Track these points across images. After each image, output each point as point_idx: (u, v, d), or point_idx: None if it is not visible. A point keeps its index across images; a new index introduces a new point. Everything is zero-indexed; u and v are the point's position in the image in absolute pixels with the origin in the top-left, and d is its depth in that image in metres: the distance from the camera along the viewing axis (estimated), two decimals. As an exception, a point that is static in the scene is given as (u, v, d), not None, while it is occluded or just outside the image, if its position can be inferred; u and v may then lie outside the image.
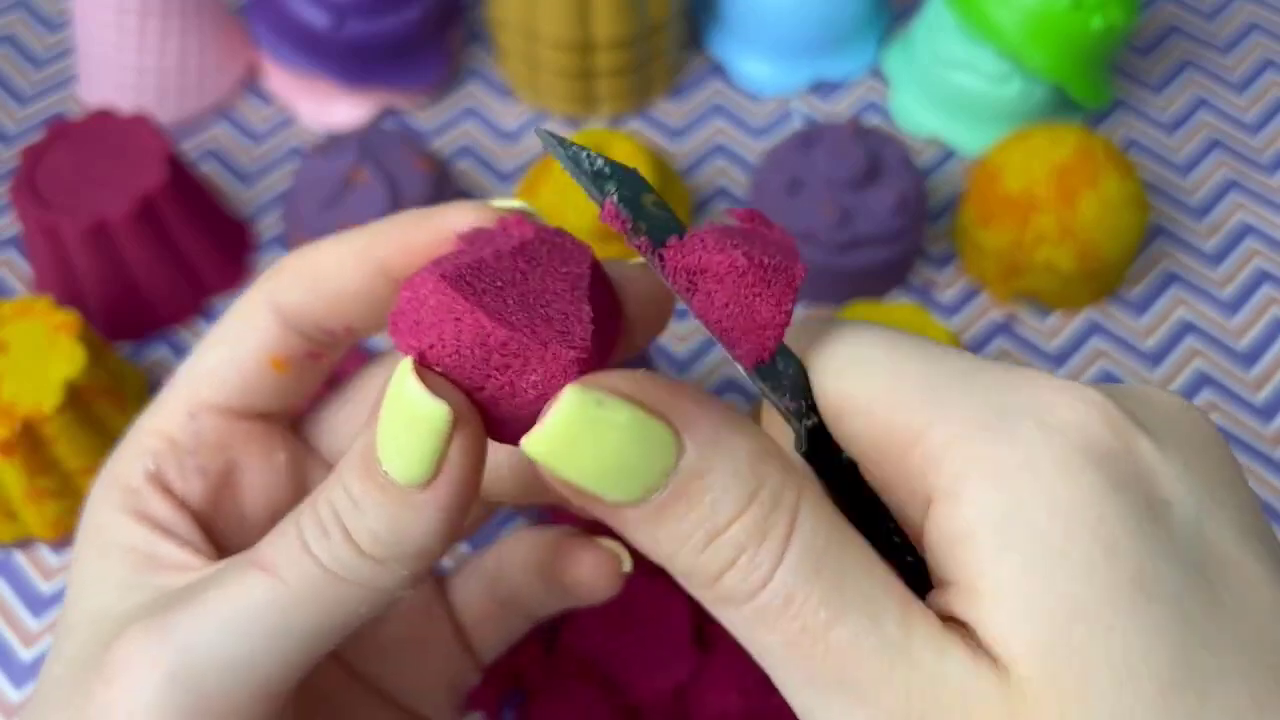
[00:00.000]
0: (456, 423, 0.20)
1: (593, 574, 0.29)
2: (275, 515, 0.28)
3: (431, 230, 0.24)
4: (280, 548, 0.22)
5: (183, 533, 0.26)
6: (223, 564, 0.24)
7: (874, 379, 0.22)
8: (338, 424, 0.29)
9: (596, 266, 0.24)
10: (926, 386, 0.21)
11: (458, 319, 0.21)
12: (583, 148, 0.22)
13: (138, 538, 0.25)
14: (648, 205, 0.22)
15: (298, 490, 0.28)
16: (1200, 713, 0.18)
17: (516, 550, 0.31)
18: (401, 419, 0.20)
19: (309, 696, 0.27)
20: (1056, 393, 0.20)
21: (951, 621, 0.20)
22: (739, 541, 0.20)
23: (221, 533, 0.27)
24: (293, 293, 0.26)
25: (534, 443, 0.20)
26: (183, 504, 0.26)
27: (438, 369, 0.21)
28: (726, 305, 0.22)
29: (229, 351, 0.26)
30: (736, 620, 0.20)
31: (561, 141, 0.22)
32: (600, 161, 0.22)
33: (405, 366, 0.21)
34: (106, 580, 0.25)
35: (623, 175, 0.22)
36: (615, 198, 0.22)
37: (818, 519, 0.20)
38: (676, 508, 0.20)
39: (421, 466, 0.20)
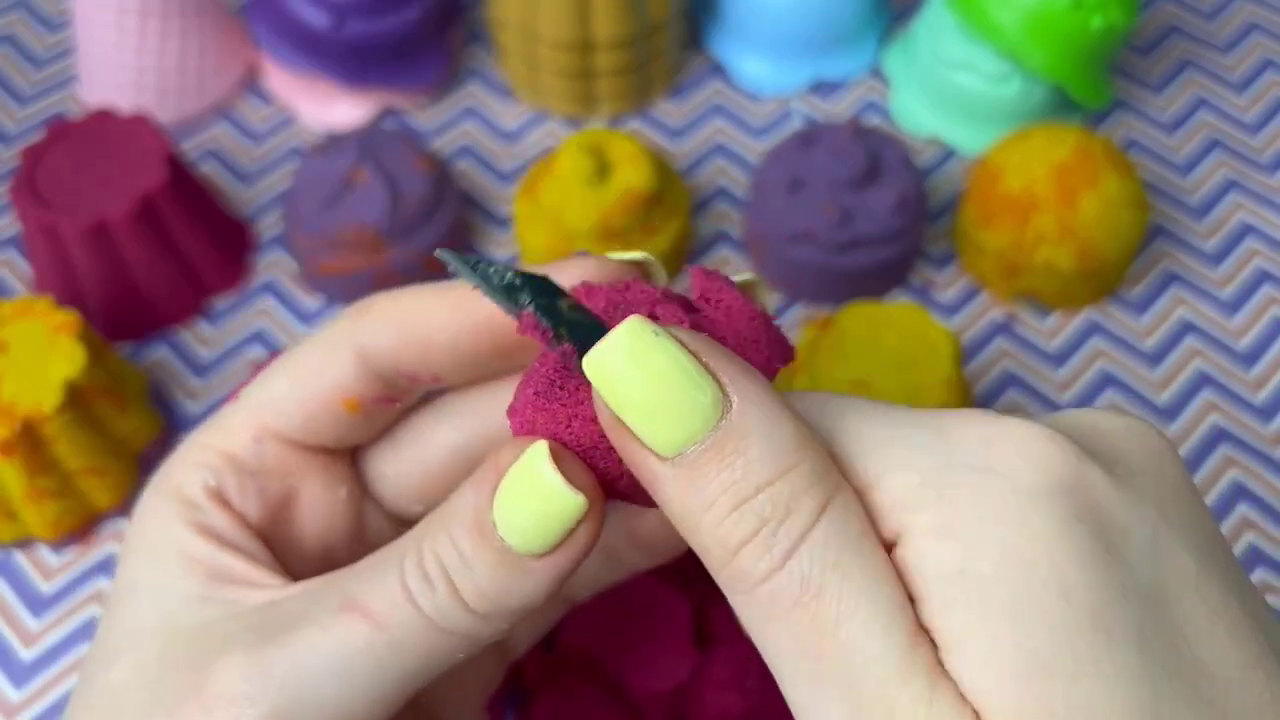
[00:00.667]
0: (590, 510, 0.21)
1: (653, 532, 0.29)
2: (328, 546, 0.28)
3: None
4: (382, 594, 0.23)
5: (247, 547, 0.25)
6: (308, 589, 0.24)
7: (818, 436, 0.21)
8: (386, 468, 0.29)
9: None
10: (867, 442, 0.21)
11: (570, 420, 0.21)
12: (490, 263, 0.22)
13: (201, 550, 0.25)
14: (565, 311, 0.23)
15: (353, 524, 0.28)
16: None
17: None
18: (531, 499, 0.21)
19: None
20: (997, 433, 0.20)
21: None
22: (763, 512, 0.19)
23: (280, 558, 0.26)
24: (380, 336, 0.25)
25: (592, 359, 0.20)
26: (244, 520, 0.26)
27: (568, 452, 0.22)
28: None
29: (302, 385, 0.26)
30: (748, 606, 0.20)
31: (466, 260, 0.22)
32: (510, 274, 0.23)
33: (541, 451, 0.21)
34: (171, 590, 0.25)
35: (536, 285, 0.23)
36: (531, 308, 0.22)
37: (849, 515, 0.20)
38: (708, 465, 0.20)
39: (547, 543, 0.21)
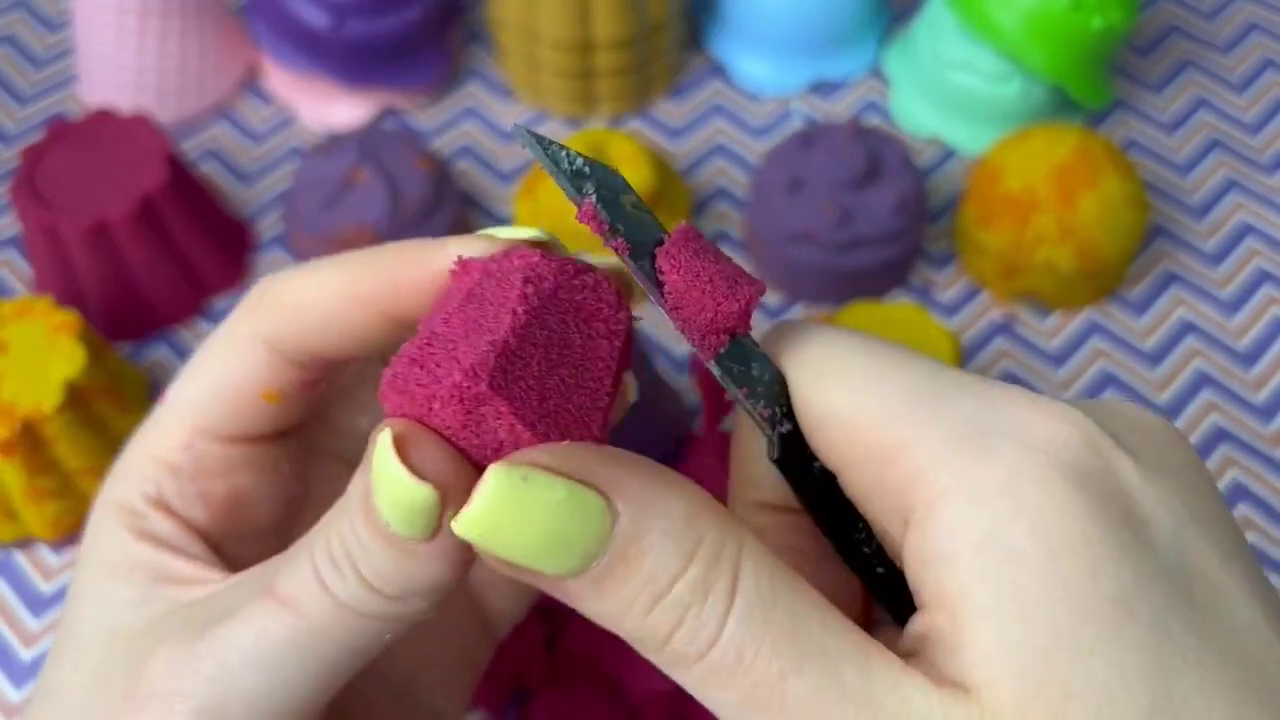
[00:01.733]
0: (446, 499, 0.20)
1: None
2: (286, 523, 0.28)
3: (425, 267, 0.23)
4: (297, 582, 0.22)
5: (189, 549, 0.25)
6: (237, 581, 0.24)
7: (855, 390, 0.22)
8: (340, 424, 0.29)
9: (627, 332, 0.23)
10: (908, 401, 0.21)
11: (478, 409, 0.20)
12: (563, 146, 0.22)
13: (142, 554, 0.25)
14: (626, 207, 0.22)
15: (307, 494, 0.28)
16: None
17: None
18: (390, 489, 0.20)
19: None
20: (1037, 411, 0.20)
21: (915, 656, 0.20)
22: (683, 600, 0.19)
23: (234, 548, 0.26)
24: (279, 326, 0.25)
25: (464, 524, 0.19)
26: (188, 524, 0.26)
27: (432, 432, 0.21)
28: (696, 303, 0.22)
29: (219, 383, 0.26)
30: (691, 681, 0.20)
31: (540, 140, 0.22)
32: (580, 161, 0.22)
33: (386, 440, 0.20)
34: (115, 596, 0.25)
35: (602, 175, 0.22)
36: (594, 198, 0.22)
37: (761, 570, 0.20)
38: (617, 573, 0.20)
39: (418, 530, 0.20)
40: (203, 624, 0.23)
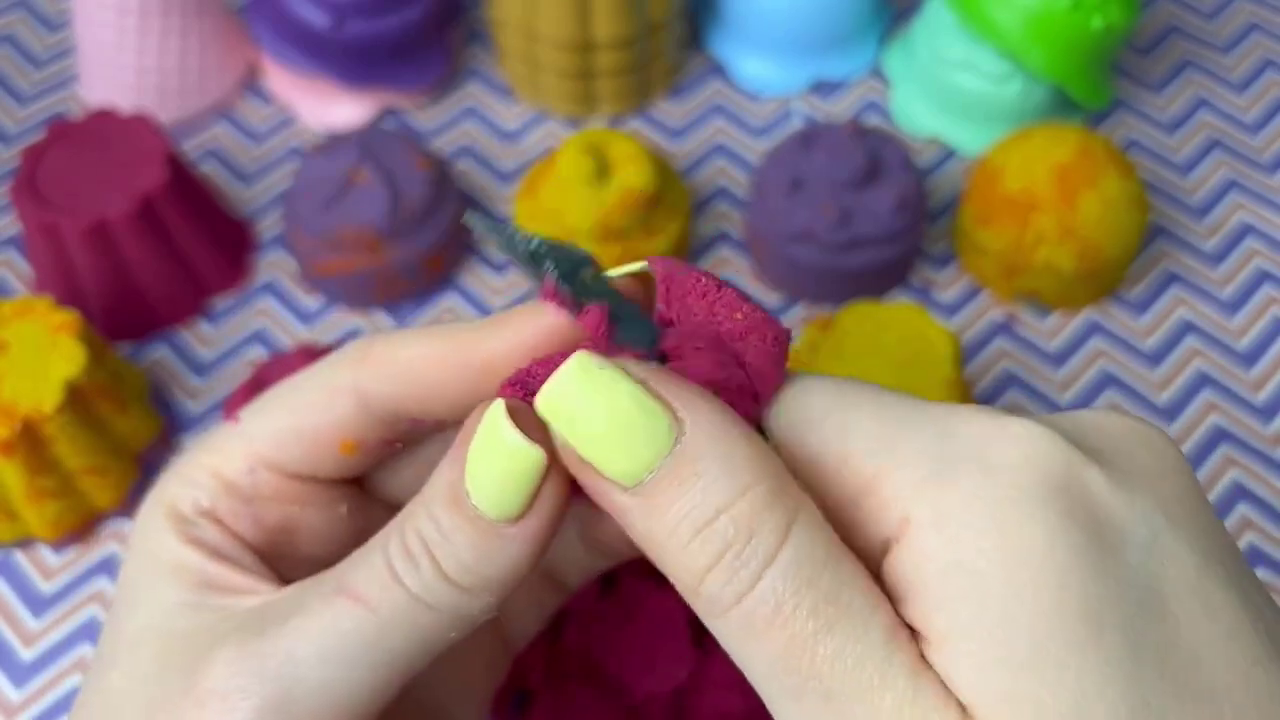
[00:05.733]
0: (551, 464, 0.21)
1: (613, 533, 0.29)
2: (334, 561, 0.28)
3: (535, 332, 0.24)
4: (368, 576, 0.23)
5: (240, 559, 0.25)
6: (299, 586, 0.24)
7: (821, 434, 0.22)
8: (407, 478, 0.29)
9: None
10: (872, 437, 0.21)
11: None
12: (519, 229, 0.23)
13: (192, 560, 0.25)
14: (588, 280, 0.23)
15: (359, 538, 0.28)
16: None
17: None
18: (495, 459, 0.21)
19: None
20: (999, 432, 0.21)
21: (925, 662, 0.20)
22: (726, 535, 0.19)
23: (287, 572, 0.26)
24: (379, 382, 0.25)
25: (543, 397, 0.21)
26: (239, 538, 0.26)
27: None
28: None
29: (301, 422, 0.26)
30: (723, 630, 0.20)
31: (494, 225, 0.23)
32: (536, 242, 0.23)
33: (499, 409, 0.21)
34: (165, 598, 0.25)
35: (560, 252, 0.23)
36: (555, 276, 0.22)
37: (816, 528, 0.20)
38: (668, 489, 0.20)
39: (514, 504, 0.21)
40: (264, 624, 0.23)
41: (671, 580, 0.21)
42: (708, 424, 0.20)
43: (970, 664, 0.19)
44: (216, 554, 0.25)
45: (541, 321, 0.24)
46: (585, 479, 0.21)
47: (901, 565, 0.20)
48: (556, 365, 0.22)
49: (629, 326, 0.23)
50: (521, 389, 0.22)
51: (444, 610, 0.22)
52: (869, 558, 0.21)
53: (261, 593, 0.25)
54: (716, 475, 0.20)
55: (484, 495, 0.21)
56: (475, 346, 0.24)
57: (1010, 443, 0.20)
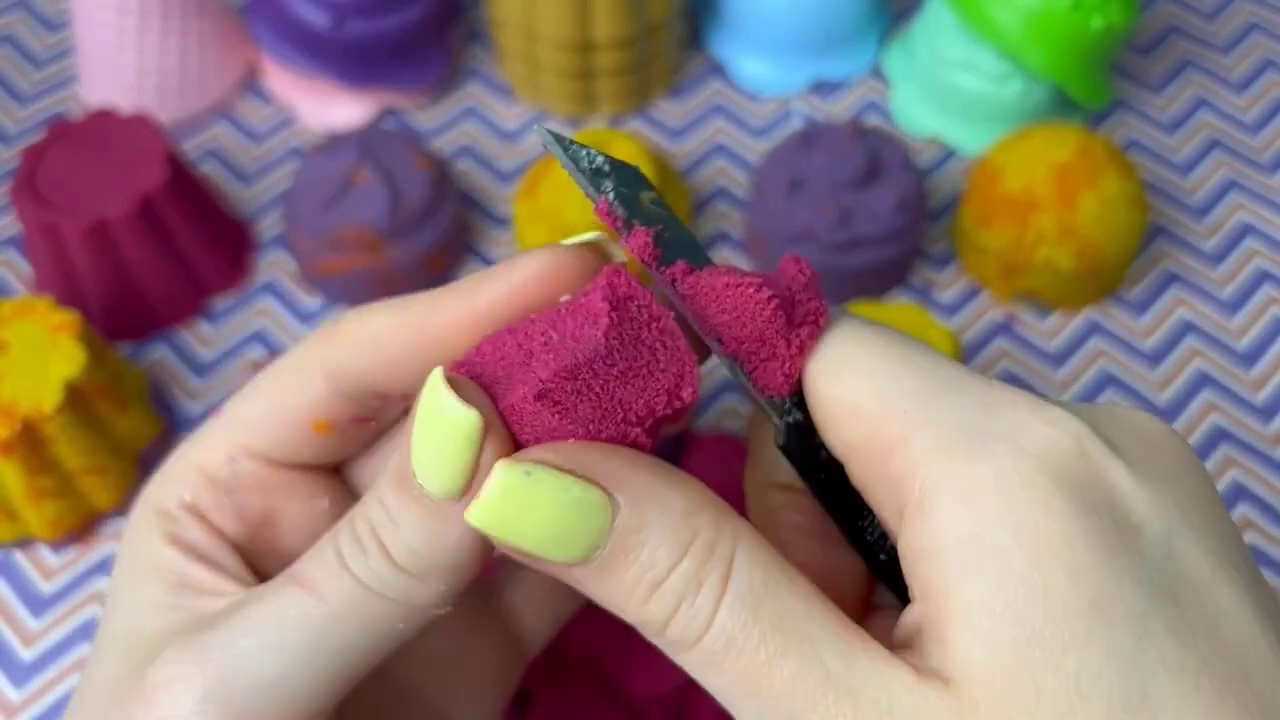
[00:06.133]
0: (487, 430, 0.21)
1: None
2: None
3: (493, 296, 0.24)
4: (317, 565, 0.23)
5: (220, 560, 0.26)
6: (266, 584, 0.24)
7: (862, 383, 0.22)
8: (368, 471, 0.29)
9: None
10: (912, 395, 0.21)
11: (536, 416, 0.21)
12: (583, 145, 0.22)
13: (170, 560, 0.25)
14: (645, 203, 0.22)
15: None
16: None
17: None
18: (434, 427, 0.21)
19: (352, 716, 0.26)
20: (1034, 416, 0.21)
21: (907, 648, 0.21)
22: (678, 590, 0.21)
23: (270, 568, 0.26)
24: (346, 358, 0.25)
25: (474, 512, 0.21)
26: (220, 534, 0.26)
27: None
28: (725, 316, 0.22)
29: (273, 406, 0.26)
30: (688, 664, 0.21)
31: (560, 139, 0.22)
32: (600, 159, 0.22)
33: (437, 376, 0.21)
34: (140, 601, 0.25)
35: (621, 173, 0.23)
36: (611, 195, 0.22)
37: (754, 563, 0.21)
38: (617, 563, 0.21)
39: (455, 476, 0.21)
40: (217, 619, 0.23)
41: (637, 629, 0.22)
42: (640, 493, 0.21)
43: (974, 636, 0.19)
44: (196, 554, 0.25)
45: (493, 288, 0.24)
46: (533, 565, 0.22)
47: (920, 528, 0.20)
48: (503, 343, 0.22)
49: (679, 251, 0.23)
50: (468, 370, 0.22)
51: (392, 598, 0.22)
52: (890, 512, 0.22)
53: (229, 595, 0.25)
54: (659, 538, 0.21)
55: (426, 469, 0.21)
56: (429, 316, 0.25)
57: (1042, 428, 0.21)
